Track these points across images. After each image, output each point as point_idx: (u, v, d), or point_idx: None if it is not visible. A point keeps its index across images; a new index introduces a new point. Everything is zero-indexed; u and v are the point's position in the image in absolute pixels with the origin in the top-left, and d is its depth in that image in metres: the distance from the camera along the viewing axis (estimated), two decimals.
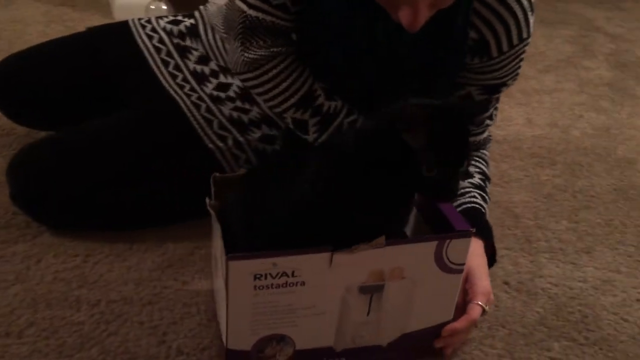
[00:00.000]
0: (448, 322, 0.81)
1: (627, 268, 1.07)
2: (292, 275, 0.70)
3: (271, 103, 0.95)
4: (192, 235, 1.04)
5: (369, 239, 0.69)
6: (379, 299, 0.76)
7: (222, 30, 0.95)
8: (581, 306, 0.97)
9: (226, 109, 1.04)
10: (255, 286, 0.70)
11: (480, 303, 0.83)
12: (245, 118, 1.04)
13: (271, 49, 0.88)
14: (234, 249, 0.69)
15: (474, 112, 0.90)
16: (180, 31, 1.13)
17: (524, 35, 0.89)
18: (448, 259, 0.75)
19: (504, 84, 0.95)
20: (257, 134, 1.03)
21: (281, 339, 0.76)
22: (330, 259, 0.70)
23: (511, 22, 0.87)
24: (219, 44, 1.09)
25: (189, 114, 1.03)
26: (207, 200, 0.78)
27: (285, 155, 0.88)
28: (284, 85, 0.90)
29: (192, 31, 1.13)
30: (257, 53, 0.89)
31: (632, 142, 1.51)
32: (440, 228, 0.77)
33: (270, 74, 0.90)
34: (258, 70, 0.91)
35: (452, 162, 0.68)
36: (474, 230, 0.75)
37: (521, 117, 1.62)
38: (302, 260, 0.69)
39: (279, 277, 0.70)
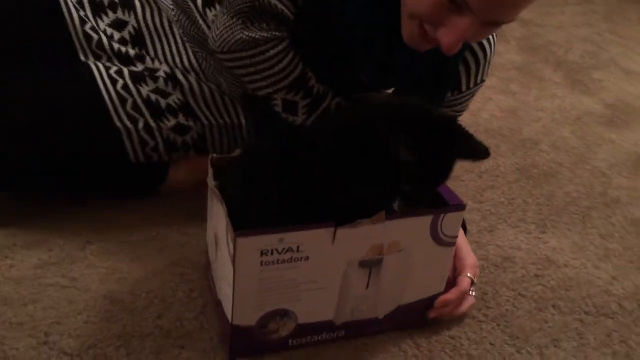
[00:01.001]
0: (440, 294, 0.85)
1: (527, 245, 1.10)
2: (297, 250, 0.71)
3: (260, 84, 0.92)
4: (83, 229, 0.98)
5: (368, 215, 0.71)
6: (377, 273, 0.78)
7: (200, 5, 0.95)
8: (482, 284, 0.98)
9: (145, 89, 0.99)
10: (261, 262, 0.71)
11: (469, 275, 0.87)
12: (163, 102, 1.00)
13: (273, 32, 0.88)
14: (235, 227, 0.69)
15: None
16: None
17: (487, 73, 0.99)
18: (442, 232, 0.78)
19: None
20: (171, 121, 1.00)
21: (284, 313, 0.77)
22: (334, 235, 0.72)
23: (481, 58, 0.96)
24: (158, 23, 1.04)
25: (102, 88, 0.97)
26: (209, 180, 0.79)
27: (280, 137, 0.86)
28: (280, 66, 0.90)
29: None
30: (258, 33, 0.87)
31: (537, 123, 1.56)
32: (432, 202, 0.79)
33: (267, 54, 0.89)
34: (254, 50, 0.89)
35: (433, 179, 0.72)
36: (466, 204, 0.78)
37: None
38: (307, 235, 0.71)
39: (285, 253, 0.71)
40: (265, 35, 0.87)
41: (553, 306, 0.96)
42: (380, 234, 0.74)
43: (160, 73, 1.01)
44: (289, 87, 0.91)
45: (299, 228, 0.70)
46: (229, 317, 0.75)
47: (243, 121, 1.05)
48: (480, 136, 1.48)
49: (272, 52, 0.88)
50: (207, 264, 0.90)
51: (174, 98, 1.00)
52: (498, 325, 0.91)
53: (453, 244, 0.80)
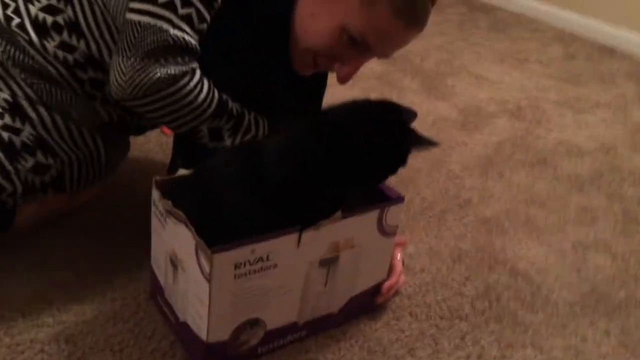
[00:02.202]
0: (384, 280, 0.93)
1: None
2: (267, 259, 0.75)
3: (185, 119, 0.88)
4: None
5: (328, 215, 0.78)
6: (334, 270, 0.84)
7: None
8: None
9: None
10: (235, 275, 0.73)
11: (399, 259, 0.98)
12: (17, 140, 0.89)
13: (188, 65, 0.86)
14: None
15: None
16: None
17: None
18: (387, 223, 0.86)
19: None
20: (29, 162, 0.90)
21: (254, 322, 0.80)
22: (299, 238, 0.77)
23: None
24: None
25: None
26: (161, 203, 0.79)
27: (236, 153, 0.87)
28: (202, 96, 0.88)
29: None
30: (175, 69, 0.85)
31: None
32: (370, 197, 0.87)
33: (188, 88, 0.86)
34: (174, 86, 0.85)
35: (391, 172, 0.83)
36: (404, 195, 0.88)
37: None
38: (276, 243, 0.75)
39: (256, 263, 0.74)
40: (183, 69, 0.85)
41: (410, 314, 0.97)
42: (337, 232, 0.81)
43: (3, 104, 0.90)
44: (213, 115, 0.90)
45: (268, 237, 0.74)
46: (203, 336, 0.77)
47: (103, 150, 0.99)
48: None
49: (191, 84, 0.86)
50: (153, 290, 0.91)
51: (26, 134, 0.90)
52: (356, 341, 0.90)
53: (395, 233, 0.89)
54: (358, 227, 0.82)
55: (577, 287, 1.08)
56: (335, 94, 1.87)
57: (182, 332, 0.82)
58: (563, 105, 1.89)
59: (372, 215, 0.83)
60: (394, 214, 0.86)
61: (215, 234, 0.73)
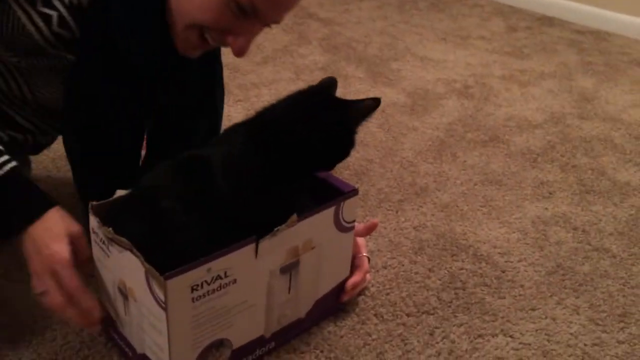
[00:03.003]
0: (347, 278, 0.90)
1: None
2: (225, 275, 0.71)
3: None
4: None
5: (283, 221, 0.74)
6: (296, 275, 0.81)
7: None
8: None
9: None
10: (192, 298, 0.69)
11: (365, 254, 0.94)
12: None
13: None
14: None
15: None
16: None
17: None
18: (344, 219, 0.83)
19: None
20: None
21: (220, 343, 0.76)
22: (256, 249, 0.73)
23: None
24: None
25: None
26: (100, 230, 0.73)
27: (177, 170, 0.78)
28: None
29: None
30: None
31: None
32: (323, 194, 0.82)
33: None
34: None
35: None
36: (358, 187, 0.84)
37: (240, 115, 1.55)
38: (233, 257, 0.71)
39: (214, 282, 0.70)
40: None
41: (375, 315, 0.92)
42: (295, 236, 0.77)
43: None
44: None
45: (223, 252, 0.69)
46: None
47: None
48: None
49: None
50: (108, 322, 0.83)
51: None
52: (322, 351, 0.85)
53: (352, 228, 0.86)
54: (315, 227, 0.79)
55: (542, 265, 1.05)
56: (279, 88, 1.81)
57: None
58: (509, 80, 1.88)
59: (328, 213, 0.80)
60: (350, 209, 0.82)
61: (165, 256, 0.67)
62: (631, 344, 0.90)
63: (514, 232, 1.15)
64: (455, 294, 0.98)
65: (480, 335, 0.90)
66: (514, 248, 1.10)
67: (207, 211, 0.72)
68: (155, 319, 0.69)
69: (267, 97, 1.67)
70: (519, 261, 1.06)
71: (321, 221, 0.79)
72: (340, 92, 1.78)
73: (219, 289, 0.70)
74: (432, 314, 0.93)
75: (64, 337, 0.85)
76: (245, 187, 0.74)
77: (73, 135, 0.91)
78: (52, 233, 0.73)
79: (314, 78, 1.83)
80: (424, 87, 1.81)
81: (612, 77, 1.93)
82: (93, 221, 0.73)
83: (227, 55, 2.18)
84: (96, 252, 0.77)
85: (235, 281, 0.72)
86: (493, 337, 0.90)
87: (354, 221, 0.84)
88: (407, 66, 1.96)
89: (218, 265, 0.69)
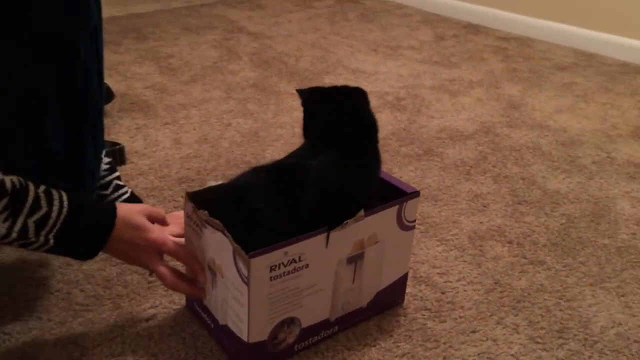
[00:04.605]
0: (406, 274, 0.98)
1: None
2: (299, 260, 0.80)
3: None
4: None
5: (352, 215, 0.83)
6: (361, 265, 0.89)
7: None
8: None
9: None
10: (270, 277, 0.78)
11: None
12: None
13: None
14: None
15: None
16: None
17: None
18: (405, 218, 0.91)
19: None
20: None
21: (290, 321, 0.84)
22: (327, 238, 0.82)
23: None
24: None
25: None
26: (198, 214, 0.81)
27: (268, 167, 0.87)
28: None
29: None
30: None
31: (279, 142, 1.51)
32: (387, 194, 0.91)
33: None
34: None
35: None
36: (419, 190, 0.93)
37: (168, 139, 1.48)
38: (307, 244, 0.80)
39: (289, 264, 0.79)
40: None
41: (316, 353, 0.88)
42: (361, 230, 0.85)
43: None
44: None
45: (299, 239, 0.79)
46: (244, 337, 0.81)
47: None
48: (222, 169, 1.39)
49: None
50: (188, 299, 0.95)
51: None
52: None
53: (413, 227, 0.94)
54: (380, 223, 0.87)
55: (480, 283, 1.05)
56: (209, 108, 1.74)
57: (223, 334, 0.86)
58: (439, 90, 1.90)
59: (392, 211, 0.88)
60: (412, 209, 0.91)
61: (247, 240, 0.76)
62: None
63: (452, 250, 1.14)
64: (397, 321, 0.96)
65: None
66: (453, 267, 1.09)
67: (294, 216, 0.80)
68: (238, 293, 0.78)
69: (196, 118, 1.61)
70: (458, 280, 1.06)
71: (385, 218, 0.88)
72: (273, 111, 1.75)
73: (293, 271, 0.80)
74: (374, 346, 0.91)
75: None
76: (331, 200, 0.83)
77: None
78: (136, 226, 0.82)
79: (246, 96, 1.78)
80: None
81: (536, 83, 1.99)
82: (188, 206, 0.84)
83: (153, 75, 2.10)
84: (188, 234, 0.87)
85: (307, 266, 0.81)
86: None
87: (414, 221, 0.93)
88: (340, 80, 1.94)
89: (294, 249, 0.78)
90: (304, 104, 0.93)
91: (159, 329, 0.91)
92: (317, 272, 0.83)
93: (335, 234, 0.82)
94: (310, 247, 0.80)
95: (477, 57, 2.21)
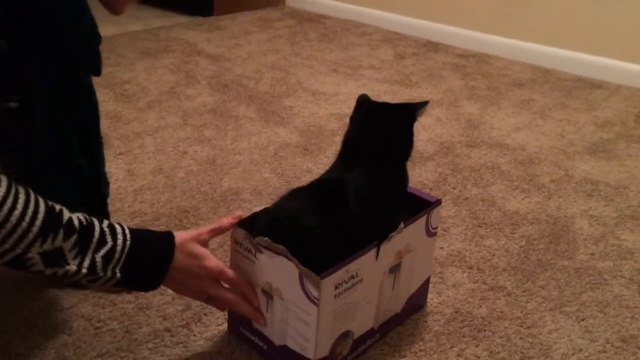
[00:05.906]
0: (429, 277, 1.04)
1: None
2: (356, 275, 0.84)
3: (2, 249, 0.68)
4: None
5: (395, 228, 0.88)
6: (399, 274, 0.94)
7: None
8: None
9: None
10: (335, 295, 0.82)
11: None
12: None
13: None
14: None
15: None
16: None
17: None
18: (431, 225, 0.97)
19: None
20: None
21: (346, 334, 0.87)
22: (377, 252, 0.86)
23: None
24: None
25: None
26: (263, 239, 0.82)
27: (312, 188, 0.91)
28: (16, 213, 0.67)
29: None
30: None
31: (237, 169, 1.48)
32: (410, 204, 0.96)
33: None
34: None
35: None
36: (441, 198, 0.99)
37: (121, 170, 1.44)
38: (363, 260, 0.84)
39: (349, 281, 0.83)
40: None
41: None
42: (400, 241, 0.90)
43: None
44: (42, 234, 0.70)
45: (356, 256, 0.83)
46: (310, 355, 0.83)
47: None
48: (177, 201, 1.35)
49: None
50: (234, 324, 0.96)
51: None
52: None
53: (436, 233, 1.00)
54: (412, 233, 0.92)
55: (440, 313, 1.03)
56: (165, 136, 1.69)
57: (282, 355, 0.88)
58: None
59: (422, 221, 0.94)
60: (436, 216, 0.97)
61: (307, 260, 0.79)
62: None
63: None
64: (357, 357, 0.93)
65: None
66: None
67: (341, 228, 0.83)
68: (304, 313, 0.81)
69: (152, 147, 1.56)
70: (419, 310, 1.04)
71: (416, 227, 0.93)
72: (231, 137, 1.72)
73: (351, 287, 0.84)
74: None
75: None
76: (371, 208, 0.86)
77: None
78: (193, 254, 0.82)
79: (203, 122, 1.74)
80: (317, 123, 1.78)
81: (495, 100, 2.01)
82: (239, 234, 0.86)
83: (108, 102, 2.04)
84: (237, 260, 0.88)
85: (361, 280, 0.85)
86: None
87: (437, 227, 0.99)
88: (299, 102, 1.92)
89: (353, 266, 0.82)
90: (354, 112, 0.99)
91: None
92: (368, 285, 0.87)
93: (383, 247, 0.87)
94: (365, 262, 0.84)
95: (437, 75, 2.22)
